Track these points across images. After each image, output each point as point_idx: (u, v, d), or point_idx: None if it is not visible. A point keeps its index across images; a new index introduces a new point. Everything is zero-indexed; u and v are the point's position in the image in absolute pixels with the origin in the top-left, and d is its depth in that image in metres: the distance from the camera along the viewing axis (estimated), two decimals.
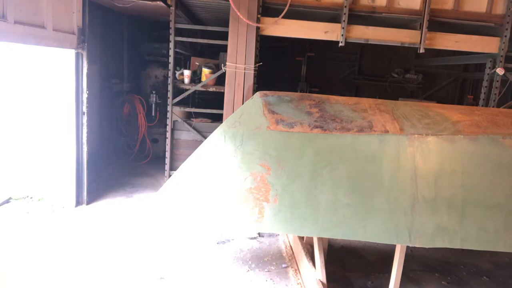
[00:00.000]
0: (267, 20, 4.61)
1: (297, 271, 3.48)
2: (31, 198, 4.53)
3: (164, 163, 5.38)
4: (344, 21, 4.53)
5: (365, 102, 3.34)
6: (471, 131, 2.85)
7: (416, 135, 2.80)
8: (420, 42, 4.60)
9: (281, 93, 3.41)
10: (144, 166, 6.23)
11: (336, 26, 4.60)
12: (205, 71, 5.22)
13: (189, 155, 3.22)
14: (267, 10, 4.69)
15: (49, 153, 4.45)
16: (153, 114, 6.46)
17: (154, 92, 6.42)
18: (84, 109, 4.36)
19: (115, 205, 4.69)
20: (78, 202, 4.54)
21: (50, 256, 3.42)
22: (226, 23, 4.69)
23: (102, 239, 3.78)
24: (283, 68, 8.02)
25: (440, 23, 4.68)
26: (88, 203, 4.59)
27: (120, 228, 4.04)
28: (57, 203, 4.47)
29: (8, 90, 4.42)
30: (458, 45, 4.72)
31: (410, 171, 2.72)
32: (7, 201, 4.42)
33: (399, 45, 4.74)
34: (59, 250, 3.52)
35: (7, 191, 4.50)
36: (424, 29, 4.55)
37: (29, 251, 3.48)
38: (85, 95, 4.33)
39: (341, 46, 4.64)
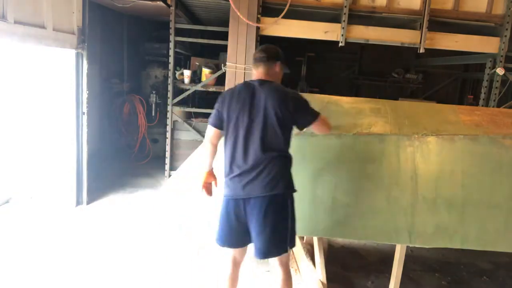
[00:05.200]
0: (267, 20, 4.61)
1: (297, 271, 3.49)
2: (31, 198, 4.53)
3: (164, 163, 5.38)
4: (344, 21, 4.53)
5: (365, 102, 3.34)
6: (471, 131, 2.84)
7: (416, 135, 2.80)
8: (420, 42, 4.60)
9: None
10: (144, 166, 6.23)
11: (336, 26, 4.60)
12: (205, 71, 5.23)
13: (189, 155, 3.23)
14: (267, 10, 4.69)
15: (49, 153, 4.45)
16: (153, 114, 6.46)
17: (154, 92, 6.42)
18: (84, 109, 4.36)
19: (115, 205, 4.69)
20: (78, 202, 4.54)
21: (50, 256, 3.42)
22: (226, 23, 4.70)
23: (102, 239, 3.78)
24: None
25: (440, 23, 4.68)
26: (88, 203, 4.59)
27: (120, 228, 4.04)
28: (57, 203, 4.47)
29: (8, 90, 4.42)
30: (458, 45, 4.73)
31: (410, 171, 2.71)
32: (7, 201, 4.42)
33: (399, 45, 4.74)
34: (59, 250, 3.52)
35: (7, 191, 4.50)
36: (424, 29, 4.55)
37: (29, 251, 3.48)
38: (85, 95, 4.33)
39: (341, 46, 4.64)
